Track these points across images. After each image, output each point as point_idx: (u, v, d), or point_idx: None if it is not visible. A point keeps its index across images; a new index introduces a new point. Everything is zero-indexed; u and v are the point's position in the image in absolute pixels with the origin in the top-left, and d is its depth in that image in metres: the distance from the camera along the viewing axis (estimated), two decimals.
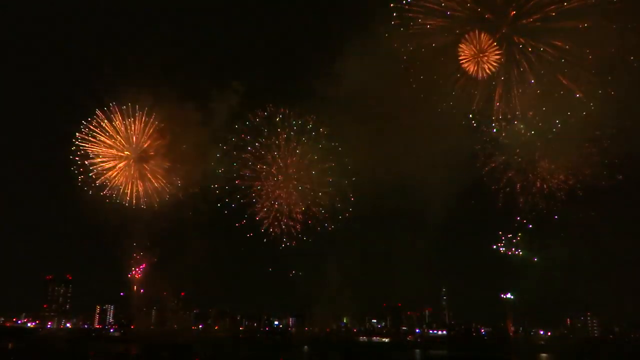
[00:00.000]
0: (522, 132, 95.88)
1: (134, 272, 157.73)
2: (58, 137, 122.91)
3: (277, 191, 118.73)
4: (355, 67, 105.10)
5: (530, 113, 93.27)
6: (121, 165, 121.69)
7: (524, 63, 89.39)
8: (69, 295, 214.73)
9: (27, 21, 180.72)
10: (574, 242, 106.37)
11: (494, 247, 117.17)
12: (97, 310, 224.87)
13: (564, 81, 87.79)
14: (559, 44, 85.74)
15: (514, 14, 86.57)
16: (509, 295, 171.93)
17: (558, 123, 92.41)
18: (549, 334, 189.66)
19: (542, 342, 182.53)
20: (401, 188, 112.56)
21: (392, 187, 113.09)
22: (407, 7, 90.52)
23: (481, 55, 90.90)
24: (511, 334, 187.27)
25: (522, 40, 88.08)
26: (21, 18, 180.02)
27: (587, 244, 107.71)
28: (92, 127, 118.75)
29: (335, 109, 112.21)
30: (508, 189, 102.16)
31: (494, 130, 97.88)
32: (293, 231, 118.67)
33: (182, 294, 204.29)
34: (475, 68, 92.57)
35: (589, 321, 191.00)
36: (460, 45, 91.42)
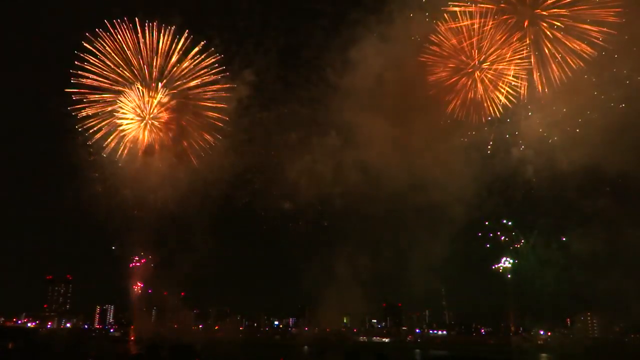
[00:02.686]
0: (540, 124, 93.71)
1: (134, 272, 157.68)
2: (58, 133, 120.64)
3: (282, 194, 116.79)
4: (372, 55, 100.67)
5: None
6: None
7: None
8: (69, 295, 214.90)
9: None
10: (593, 239, 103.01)
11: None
12: (97, 310, 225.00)
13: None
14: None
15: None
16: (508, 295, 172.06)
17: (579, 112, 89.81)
18: (549, 334, 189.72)
19: (542, 342, 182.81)
20: (416, 185, 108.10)
21: (407, 185, 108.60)
22: None
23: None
24: (511, 334, 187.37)
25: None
26: None
27: (608, 241, 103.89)
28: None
29: (349, 101, 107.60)
30: (526, 185, 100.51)
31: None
32: (297, 230, 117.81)
33: (182, 294, 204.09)
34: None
35: (589, 321, 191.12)
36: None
